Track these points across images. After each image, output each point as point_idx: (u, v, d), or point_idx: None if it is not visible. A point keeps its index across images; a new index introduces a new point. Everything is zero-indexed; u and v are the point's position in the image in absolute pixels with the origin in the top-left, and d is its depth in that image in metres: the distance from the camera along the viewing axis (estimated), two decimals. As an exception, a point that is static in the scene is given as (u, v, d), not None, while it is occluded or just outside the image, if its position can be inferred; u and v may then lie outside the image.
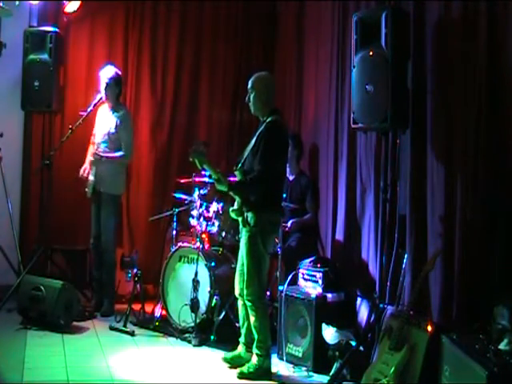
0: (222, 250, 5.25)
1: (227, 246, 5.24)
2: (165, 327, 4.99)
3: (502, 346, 3.02)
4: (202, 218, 5.02)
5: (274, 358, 4.41)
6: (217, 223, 4.98)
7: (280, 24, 6.58)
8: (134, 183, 6.26)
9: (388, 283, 4.10)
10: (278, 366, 4.35)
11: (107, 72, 5.38)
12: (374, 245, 4.42)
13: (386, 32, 3.89)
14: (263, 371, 4.15)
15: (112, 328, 4.98)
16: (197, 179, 5.16)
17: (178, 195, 5.43)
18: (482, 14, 3.50)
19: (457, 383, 3.02)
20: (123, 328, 4.94)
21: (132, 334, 4.88)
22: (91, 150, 5.51)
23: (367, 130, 4.35)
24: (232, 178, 4.26)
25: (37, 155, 5.86)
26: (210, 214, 5.00)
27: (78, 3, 5.85)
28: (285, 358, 4.43)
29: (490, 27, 3.47)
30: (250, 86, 4.27)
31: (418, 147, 3.94)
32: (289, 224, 5.18)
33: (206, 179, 5.07)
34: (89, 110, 5.40)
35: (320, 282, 4.41)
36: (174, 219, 5.33)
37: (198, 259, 4.83)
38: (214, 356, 4.51)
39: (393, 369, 3.42)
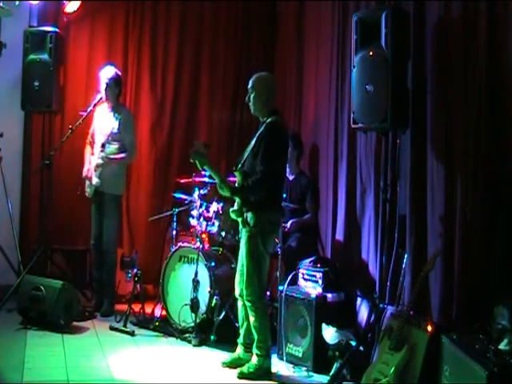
0: (222, 249, 5.25)
1: (227, 245, 5.24)
2: (165, 327, 4.99)
3: (502, 346, 3.02)
4: (201, 218, 5.02)
5: (274, 358, 4.40)
6: (217, 223, 4.98)
7: (280, 24, 6.58)
8: (134, 183, 6.26)
9: (388, 283, 4.10)
10: (278, 366, 4.35)
11: (107, 72, 5.38)
12: (374, 245, 4.42)
13: (385, 32, 3.89)
14: (263, 371, 4.15)
15: (112, 328, 4.98)
16: (197, 179, 5.16)
17: (177, 195, 5.43)
18: (482, 13, 3.50)
19: (457, 383, 3.02)
20: (123, 328, 4.94)
21: (132, 334, 4.88)
22: (88, 150, 5.50)
23: (367, 130, 4.35)
24: (232, 179, 4.27)
25: (37, 155, 5.86)
26: (210, 214, 5.00)
27: (78, 3, 5.85)
28: (285, 358, 4.43)
29: (490, 27, 3.47)
30: (250, 85, 4.27)
31: (417, 147, 3.94)
32: (288, 224, 5.18)
33: (206, 179, 5.08)
34: (89, 109, 5.40)
35: (320, 282, 4.41)
36: (174, 219, 5.33)
37: (198, 259, 4.83)
38: (214, 356, 4.51)
39: (393, 369, 3.42)
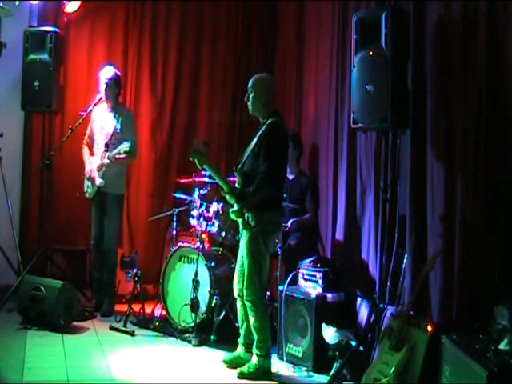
0: (222, 249, 5.25)
1: (227, 246, 5.24)
2: (165, 327, 4.99)
3: (502, 346, 3.02)
4: (202, 218, 5.03)
5: (274, 358, 4.41)
6: (217, 223, 4.98)
7: (280, 24, 6.58)
8: (134, 183, 6.26)
9: (388, 283, 4.10)
10: (278, 366, 4.35)
11: (106, 72, 5.38)
12: (374, 245, 4.42)
13: (385, 32, 3.90)
14: (263, 371, 4.15)
15: (112, 328, 4.98)
16: (197, 179, 5.16)
17: (178, 195, 5.44)
18: (482, 13, 3.50)
19: (457, 383, 3.02)
20: (123, 328, 4.94)
21: (132, 334, 4.88)
22: (86, 150, 5.50)
23: (367, 130, 4.35)
24: (232, 179, 4.27)
25: (37, 155, 5.86)
26: (210, 214, 5.00)
27: (78, 3, 5.85)
28: (285, 358, 4.43)
29: (490, 27, 3.47)
30: (249, 86, 4.27)
31: (417, 147, 3.94)
32: (289, 223, 5.18)
33: (206, 179, 5.08)
34: (89, 109, 5.40)
35: (320, 281, 4.41)
36: (174, 219, 5.33)
37: (198, 259, 4.83)
38: (214, 356, 4.51)
39: (393, 369, 3.42)
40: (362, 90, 4.03)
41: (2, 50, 5.45)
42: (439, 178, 3.73)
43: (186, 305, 4.85)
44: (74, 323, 4.97)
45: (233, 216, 4.18)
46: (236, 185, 4.20)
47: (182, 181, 5.45)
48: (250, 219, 4.09)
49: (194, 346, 4.70)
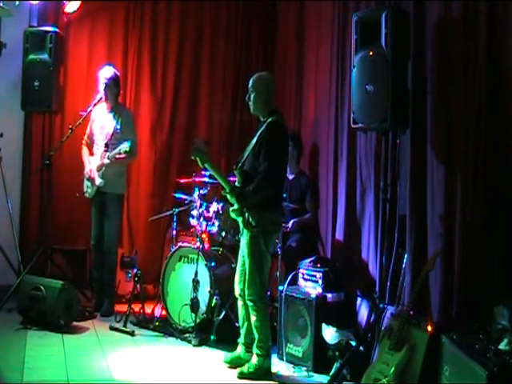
0: (222, 249, 5.25)
1: (227, 246, 5.24)
2: (165, 327, 4.99)
3: (502, 346, 3.02)
4: (201, 218, 5.03)
5: (274, 358, 4.41)
6: (217, 223, 4.98)
7: (280, 24, 6.58)
8: (134, 183, 6.27)
9: (388, 283, 4.10)
10: (278, 366, 4.35)
11: (106, 72, 5.38)
12: (374, 245, 4.42)
13: (385, 32, 3.89)
14: (263, 371, 4.15)
15: (112, 328, 4.98)
16: (197, 179, 5.16)
17: (178, 195, 5.43)
18: (482, 13, 3.50)
19: (457, 383, 3.02)
20: (123, 328, 4.94)
21: (132, 334, 4.88)
22: (86, 151, 5.50)
23: (367, 130, 4.35)
24: (232, 178, 4.27)
25: (37, 155, 5.86)
26: (210, 214, 5.00)
27: (78, 3, 5.85)
28: (285, 358, 4.43)
29: (490, 27, 3.47)
30: (250, 85, 4.27)
31: (417, 147, 3.93)
32: (290, 224, 5.18)
33: (206, 179, 5.08)
34: (89, 109, 5.40)
35: (320, 281, 4.41)
36: (174, 219, 5.33)
37: (198, 259, 4.83)
38: (214, 356, 4.51)
39: (393, 369, 3.42)
40: (362, 90, 4.03)
41: (2, 49, 5.45)
42: (439, 178, 3.73)
43: (186, 305, 4.85)
44: (74, 323, 4.97)
45: (233, 215, 4.18)
46: (236, 184, 4.20)
47: (182, 181, 5.45)
48: (250, 219, 4.09)
49: (194, 346, 4.70)
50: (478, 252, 3.49)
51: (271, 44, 6.67)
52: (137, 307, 5.21)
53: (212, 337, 4.78)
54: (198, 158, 4.11)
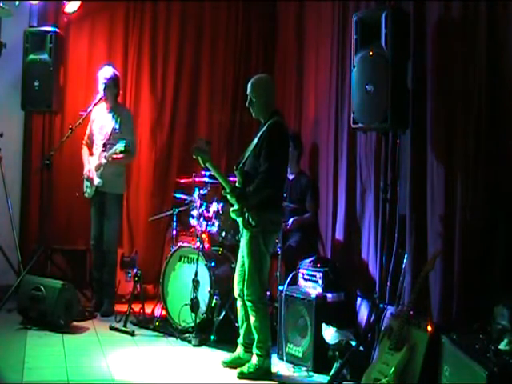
0: (222, 249, 5.25)
1: (227, 246, 5.24)
2: (165, 327, 4.99)
3: (502, 346, 3.01)
4: (201, 218, 5.03)
5: (274, 358, 4.41)
6: (217, 223, 4.98)
7: (280, 24, 6.58)
8: (134, 183, 6.26)
9: (388, 283, 4.10)
10: (278, 366, 4.35)
11: (105, 73, 5.38)
12: (374, 245, 4.42)
13: (385, 32, 3.89)
14: (263, 371, 4.15)
15: (112, 328, 4.98)
16: (197, 179, 5.16)
17: (178, 195, 5.43)
18: (481, 13, 3.50)
19: (457, 383, 3.02)
20: (123, 328, 4.94)
21: (132, 334, 4.88)
22: (86, 151, 5.50)
23: (367, 130, 4.35)
24: (232, 178, 4.27)
25: (37, 155, 5.86)
26: (210, 214, 5.00)
27: (78, 3, 5.85)
28: (285, 358, 4.43)
29: (489, 27, 3.47)
30: (248, 91, 4.27)
31: (417, 147, 3.93)
32: (290, 222, 5.18)
33: (206, 179, 5.08)
34: (89, 109, 5.40)
35: (320, 281, 4.41)
36: (174, 219, 5.33)
37: (198, 259, 4.83)
38: (214, 356, 4.51)
39: (393, 369, 3.42)
40: (362, 90, 4.03)
41: (2, 49, 5.45)
42: (439, 178, 3.73)
43: (186, 305, 4.85)
44: (74, 323, 4.97)
45: (233, 215, 4.18)
46: (236, 184, 4.20)
47: (182, 181, 5.45)
48: (250, 219, 4.09)
49: (194, 345, 4.70)
50: (478, 252, 3.48)
51: (271, 44, 6.67)
52: (137, 307, 5.21)
53: (212, 337, 4.78)
54: (199, 158, 4.12)
